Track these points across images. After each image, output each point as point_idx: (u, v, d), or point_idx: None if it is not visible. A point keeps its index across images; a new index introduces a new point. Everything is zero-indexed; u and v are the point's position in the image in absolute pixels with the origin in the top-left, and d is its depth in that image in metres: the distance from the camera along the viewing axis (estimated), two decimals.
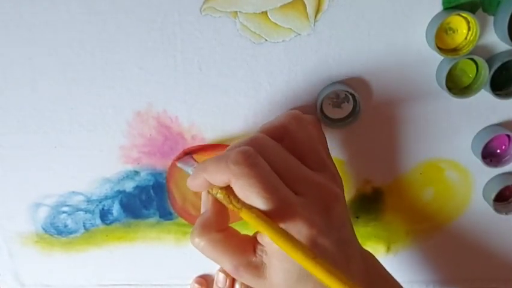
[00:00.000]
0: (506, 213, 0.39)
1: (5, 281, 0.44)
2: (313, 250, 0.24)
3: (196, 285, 0.43)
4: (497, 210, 0.39)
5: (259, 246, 0.28)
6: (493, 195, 0.38)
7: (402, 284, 0.43)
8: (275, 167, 0.27)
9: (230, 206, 0.27)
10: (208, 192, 0.29)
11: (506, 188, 0.39)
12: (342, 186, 0.32)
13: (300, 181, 0.28)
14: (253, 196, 0.25)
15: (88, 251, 0.42)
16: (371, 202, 0.40)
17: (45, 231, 0.41)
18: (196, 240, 0.28)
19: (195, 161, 0.36)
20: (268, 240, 0.26)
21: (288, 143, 0.30)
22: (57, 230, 0.41)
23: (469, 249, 0.42)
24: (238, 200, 0.27)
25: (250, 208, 0.26)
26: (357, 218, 0.40)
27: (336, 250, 0.27)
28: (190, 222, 0.41)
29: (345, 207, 0.30)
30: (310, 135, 0.30)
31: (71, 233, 0.41)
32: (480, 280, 0.44)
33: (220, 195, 0.28)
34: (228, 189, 0.27)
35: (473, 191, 0.40)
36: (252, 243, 0.28)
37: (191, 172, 0.34)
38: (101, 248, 0.42)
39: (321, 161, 0.30)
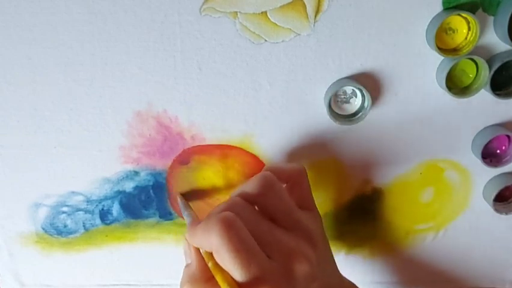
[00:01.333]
0: (506, 213, 0.39)
1: (5, 281, 0.44)
2: None
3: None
4: (497, 210, 0.39)
5: None
6: (493, 196, 0.38)
7: (401, 284, 0.43)
8: (250, 230, 0.29)
9: (211, 268, 0.30)
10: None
11: (506, 188, 0.39)
12: (319, 238, 0.33)
13: (270, 245, 0.30)
14: (230, 267, 0.28)
15: (88, 251, 0.42)
16: (371, 202, 0.40)
17: (45, 231, 0.41)
18: None
19: (188, 206, 0.38)
20: None
21: (260, 207, 0.32)
22: (57, 230, 0.41)
23: (469, 249, 0.42)
24: (214, 265, 0.29)
25: (224, 277, 0.28)
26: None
27: None
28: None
29: (314, 265, 0.31)
30: (278, 198, 0.32)
31: (71, 233, 0.41)
32: (480, 280, 0.44)
33: (204, 255, 0.31)
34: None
35: (473, 191, 0.40)
36: None
37: (186, 219, 0.36)
38: (101, 248, 0.42)
39: (292, 221, 0.32)
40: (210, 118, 0.37)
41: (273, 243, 0.30)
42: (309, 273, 0.30)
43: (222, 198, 0.40)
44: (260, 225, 0.30)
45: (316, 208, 0.36)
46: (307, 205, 0.35)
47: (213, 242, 0.28)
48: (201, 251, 0.31)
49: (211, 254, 0.29)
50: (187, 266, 0.32)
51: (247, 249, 0.28)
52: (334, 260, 0.35)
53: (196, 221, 0.34)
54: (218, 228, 0.28)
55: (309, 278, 0.30)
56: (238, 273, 0.28)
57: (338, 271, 0.36)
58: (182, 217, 0.41)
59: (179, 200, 0.39)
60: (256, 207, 0.32)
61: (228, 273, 0.28)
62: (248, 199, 0.31)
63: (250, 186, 0.32)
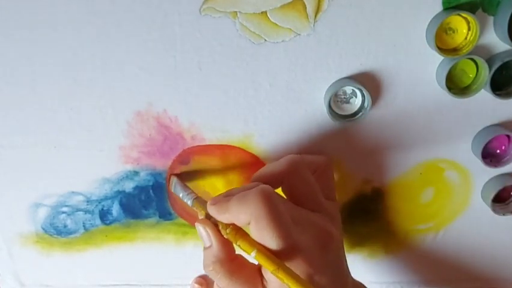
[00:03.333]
0: (504, 214, 0.39)
1: (5, 281, 0.44)
2: (311, 286, 0.27)
3: (196, 285, 0.43)
4: (495, 211, 0.39)
5: (264, 281, 0.30)
6: (491, 196, 0.38)
7: (401, 284, 0.43)
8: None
9: (234, 243, 0.30)
10: (215, 226, 0.31)
11: (505, 189, 0.39)
12: (339, 225, 0.34)
13: (300, 221, 0.30)
14: (268, 238, 0.28)
15: (88, 251, 0.42)
16: (371, 202, 0.40)
17: (45, 231, 0.41)
18: (213, 273, 0.30)
19: (187, 187, 0.37)
20: (271, 277, 0.28)
21: (286, 187, 0.32)
22: (57, 230, 0.41)
23: (469, 249, 0.42)
24: (244, 240, 0.29)
25: (258, 248, 0.28)
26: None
27: (331, 286, 0.30)
28: (190, 222, 0.41)
29: (340, 246, 0.32)
30: (305, 181, 0.32)
31: (70, 233, 0.41)
32: (479, 280, 0.44)
33: (229, 235, 0.30)
34: (237, 229, 0.30)
35: (473, 191, 0.40)
36: (259, 274, 0.30)
37: (188, 201, 0.35)
38: (101, 248, 0.42)
39: (317, 204, 0.32)
40: (210, 118, 0.37)
41: (302, 220, 0.30)
42: (339, 252, 0.31)
43: None
44: (290, 205, 0.31)
45: (337, 200, 0.36)
46: (331, 196, 0.35)
47: (253, 212, 0.28)
48: (222, 232, 0.30)
49: (236, 231, 0.29)
50: (207, 248, 0.31)
51: (286, 221, 0.28)
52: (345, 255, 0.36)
53: (201, 199, 0.34)
54: (259, 198, 0.28)
55: (337, 257, 0.31)
56: (275, 243, 0.28)
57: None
58: (181, 216, 0.41)
59: (174, 181, 0.38)
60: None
61: (260, 245, 0.28)
62: (274, 178, 0.32)
63: (277, 165, 0.32)
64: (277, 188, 0.32)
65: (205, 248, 0.31)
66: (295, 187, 0.32)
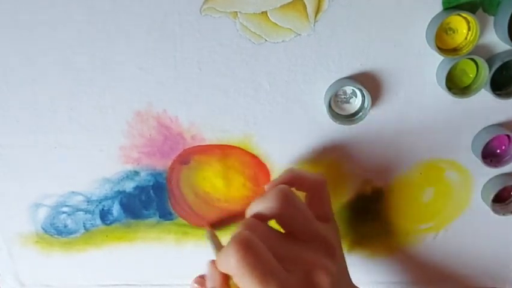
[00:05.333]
0: (503, 214, 0.39)
1: (5, 281, 0.44)
2: None
3: (196, 285, 0.43)
4: (495, 211, 0.39)
5: None
6: (491, 196, 0.38)
7: (401, 284, 0.43)
8: (267, 246, 0.29)
9: None
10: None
11: (505, 189, 0.39)
12: (338, 250, 0.33)
13: (289, 259, 0.30)
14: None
15: (88, 251, 0.42)
16: (371, 202, 0.40)
17: (45, 231, 0.41)
18: None
19: (216, 237, 0.38)
20: None
21: (279, 221, 0.32)
22: (57, 230, 0.41)
23: (469, 249, 0.42)
24: None
25: None
26: None
27: None
28: (190, 222, 0.41)
29: (335, 276, 0.31)
30: (298, 212, 0.32)
31: (71, 233, 0.41)
32: (479, 280, 0.44)
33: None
34: None
35: (473, 191, 0.40)
36: None
37: (211, 246, 0.36)
38: (101, 248, 0.42)
39: (311, 233, 0.32)
40: (210, 118, 0.37)
41: (292, 257, 0.30)
42: (330, 285, 0.30)
43: (222, 199, 0.40)
44: (278, 240, 0.31)
45: (334, 219, 0.36)
46: (325, 216, 0.35)
47: (231, 265, 0.28)
48: (230, 281, 0.31)
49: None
50: None
51: (264, 268, 0.28)
52: (348, 271, 0.36)
53: (220, 247, 0.34)
54: (235, 250, 0.28)
55: (336, 286, 0.31)
56: None
57: (352, 282, 0.36)
58: (182, 217, 0.41)
59: (207, 231, 0.39)
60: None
61: None
62: (266, 215, 0.31)
63: (268, 201, 0.31)
64: (271, 220, 0.32)
65: None
66: (288, 220, 0.32)
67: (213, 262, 0.31)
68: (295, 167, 0.36)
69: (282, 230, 0.32)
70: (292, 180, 0.34)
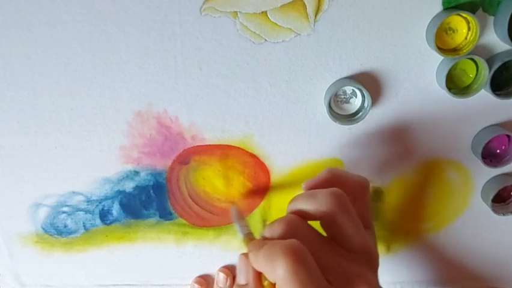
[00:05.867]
0: (503, 214, 0.39)
1: (5, 281, 0.44)
2: None
3: (196, 285, 0.43)
4: (495, 211, 0.39)
5: None
6: (491, 196, 0.38)
7: (402, 284, 0.43)
8: (312, 254, 0.27)
9: None
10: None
11: (505, 189, 0.39)
12: (377, 260, 0.32)
13: (332, 269, 0.28)
14: None
15: (88, 251, 0.42)
16: (371, 202, 0.40)
17: (45, 231, 0.41)
18: None
19: (244, 221, 0.36)
20: None
21: (327, 224, 0.30)
22: (57, 230, 0.41)
23: (469, 249, 0.42)
24: None
25: None
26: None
27: None
28: (190, 222, 0.41)
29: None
30: (351, 220, 0.30)
31: (71, 233, 0.41)
32: (479, 280, 0.44)
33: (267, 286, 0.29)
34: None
35: (473, 191, 0.40)
36: None
37: (240, 231, 0.35)
38: (101, 248, 0.42)
39: (357, 244, 0.30)
40: (210, 118, 0.37)
41: (335, 267, 0.28)
42: None
43: (222, 199, 0.40)
44: (322, 246, 0.29)
45: (373, 225, 0.34)
46: (366, 222, 0.32)
47: (279, 272, 0.26)
48: (262, 279, 0.29)
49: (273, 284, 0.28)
50: (240, 286, 0.30)
51: (313, 283, 0.26)
52: None
53: (251, 236, 0.33)
54: (285, 260, 0.26)
55: None
56: None
57: None
58: (182, 217, 0.41)
59: (232, 209, 0.38)
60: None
61: None
62: (314, 215, 0.30)
63: (320, 203, 0.29)
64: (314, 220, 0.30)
65: (237, 284, 0.30)
66: (337, 226, 0.29)
67: (246, 256, 0.30)
68: (335, 167, 0.34)
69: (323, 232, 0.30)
70: (333, 179, 0.32)
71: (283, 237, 0.28)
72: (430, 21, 0.33)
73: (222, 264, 0.43)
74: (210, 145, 0.38)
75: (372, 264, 0.30)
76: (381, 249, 0.42)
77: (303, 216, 0.30)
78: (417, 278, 0.44)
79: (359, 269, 0.29)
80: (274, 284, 0.28)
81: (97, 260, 0.43)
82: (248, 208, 0.40)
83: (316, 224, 0.30)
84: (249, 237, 0.33)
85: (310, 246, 0.27)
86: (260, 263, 0.28)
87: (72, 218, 0.41)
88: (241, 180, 0.39)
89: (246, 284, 0.29)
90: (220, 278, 0.43)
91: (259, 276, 0.29)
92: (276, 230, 0.29)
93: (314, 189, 0.31)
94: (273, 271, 0.27)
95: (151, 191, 0.40)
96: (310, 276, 0.26)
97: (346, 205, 0.30)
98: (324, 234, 0.30)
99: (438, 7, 0.33)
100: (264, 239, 0.29)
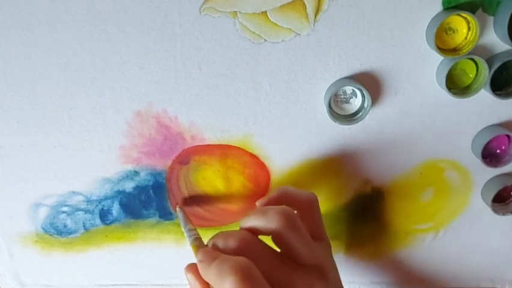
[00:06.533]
0: (504, 214, 0.39)
1: (5, 281, 0.44)
2: None
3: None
4: (495, 211, 0.39)
5: None
6: (491, 196, 0.38)
7: (401, 285, 0.43)
8: (263, 271, 0.28)
9: None
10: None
11: (505, 189, 0.39)
12: (329, 271, 0.33)
13: (282, 284, 0.29)
14: None
15: (88, 251, 0.42)
16: (371, 202, 0.40)
17: (45, 231, 0.41)
18: None
19: (191, 225, 0.36)
20: None
21: (277, 241, 0.31)
22: (57, 230, 0.41)
23: (469, 249, 0.42)
24: None
25: None
26: None
27: None
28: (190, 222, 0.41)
29: None
30: (300, 236, 0.31)
31: (70, 233, 0.41)
32: (479, 280, 0.44)
33: None
34: None
35: (473, 191, 0.40)
36: None
37: (188, 237, 0.35)
38: (101, 248, 0.42)
39: (307, 257, 0.31)
40: (210, 118, 0.37)
41: (285, 281, 0.30)
42: None
43: (222, 199, 0.40)
44: (273, 260, 0.30)
45: (327, 236, 0.36)
46: (318, 234, 0.35)
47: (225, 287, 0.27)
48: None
49: None
50: None
51: None
52: (342, 284, 0.35)
53: (201, 244, 0.33)
54: (234, 277, 0.27)
55: None
56: None
57: None
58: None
59: (178, 213, 0.39)
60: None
61: None
62: (264, 232, 0.31)
63: (269, 220, 0.31)
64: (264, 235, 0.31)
65: None
66: (287, 243, 0.31)
67: (193, 268, 0.31)
68: (286, 186, 0.36)
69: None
70: (283, 198, 0.34)
71: (234, 252, 0.30)
72: (430, 21, 0.33)
73: None
74: (209, 145, 0.38)
75: (324, 276, 0.32)
76: (380, 249, 0.42)
77: (254, 232, 0.31)
78: (416, 278, 0.44)
79: (309, 281, 0.31)
80: None
81: (97, 260, 0.43)
82: (248, 208, 0.40)
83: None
84: (197, 242, 0.34)
85: (261, 262, 0.29)
86: (210, 277, 0.29)
87: (72, 218, 0.41)
88: (241, 180, 0.39)
89: None
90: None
91: (208, 286, 0.31)
92: (229, 244, 0.30)
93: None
94: (221, 286, 0.28)
95: (151, 191, 0.40)
96: None
97: (294, 222, 0.31)
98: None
99: (438, 7, 0.33)
100: (216, 248, 0.31)
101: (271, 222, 0.31)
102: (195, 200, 0.40)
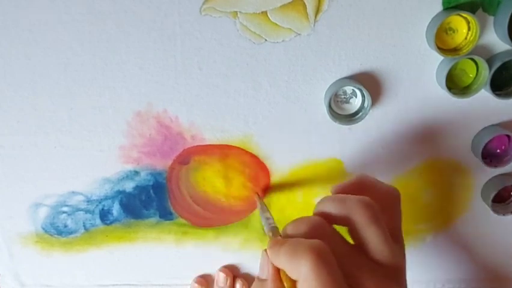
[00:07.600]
0: (503, 214, 0.39)
1: (5, 281, 0.44)
2: None
3: (196, 285, 0.43)
4: (495, 211, 0.39)
5: None
6: (491, 196, 0.38)
7: None
8: (337, 259, 0.27)
9: None
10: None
11: (505, 189, 0.39)
12: (404, 277, 0.30)
13: (353, 278, 0.27)
14: None
15: (88, 251, 0.42)
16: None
17: (45, 231, 0.41)
18: None
19: (269, 213, 0.35)
20: None
21: (352, 233, 0.29)
22: (57, 230, 0.41)
23: (468, 249, 0.42)
24: None
25: None
26: None
27: None
28: (191, 222, 0.41)
29: None
30: (380, 230, 0.28)
31: (71, 233, 0.41)
32: (479, 280, 0.44)
33: (286, 284, 0.28)
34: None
35: (473, 191, 0.40)
36: None
37: (264, 224, 0.33)
38: (101, 248, 0.42)
39: (384, 256, 0.28)
40: (210, 118, 0.37)
41: (357, 276, 0.27)
42: None
43: (222, 198, 0.40)
44: (346, 255, 0.28)
45: (403, 239, 0.32)
46: (395, 236, 0.30)
47: (302, 271, 0.25)
48: (282, 275, 0.28)
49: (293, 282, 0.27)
50: (260, 280, 0.29)
51: (334, 283, 0.25)
52: None
53: (276, 232, 0.31)
54: (309, 259, 0.25)
55: None
56: None
57: None
58: (182, 216, 0.41)
59: (257, 200, 0.37)
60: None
61: None
62: (341, 222, 0.29)
63: (350, 208, 0.28)
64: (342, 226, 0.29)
65: (258, 277, 0.29)
66: (364, 235, 0.28)
67: (273, 257, 0.28)
68: (366, 173, 0.33)
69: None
70: (362, 186, 0.31)
71: (306, 236, 0.27)
72: (430, 21, 0.33)
73: (222, 264, 0.43)
74: (209, 145, 0.38)
75: (399, 281, 0.29)
76: None
77: (329, 219, 0.29)
78: (416, 278, 0.44)
79: (383, 282, 0.27)
80: (294, 281, 0.27)
81: (97, 260, 0.43)
82: (248, 208, 0.40)
83: (341, 229, 0.29)
84: (273, 231, 0.31)
85: (334, 250, 0.27)
86: (281, 260, 0.27)
87: (72, 218, 0.41)
88: (241, 180, 0.39)
89: (266, 280, 0.29)
90: (220, 278, 0.43)
91: (278, 272, 0.28)
92: (300, 229, 0.28)
93: (342, 193, 0.30)
94: (296, 267, 0.26)
95: (151, 191, 0.40)
96: (333, 278, 0.25)
97: (376, 216, 0.28)
98: (350, 240, 0.29)
99: (438, 7, 0.33)
100: (286, 236, 0.29)
101: (350, 212, 0.28)
102: (192, 176, 0.39)
